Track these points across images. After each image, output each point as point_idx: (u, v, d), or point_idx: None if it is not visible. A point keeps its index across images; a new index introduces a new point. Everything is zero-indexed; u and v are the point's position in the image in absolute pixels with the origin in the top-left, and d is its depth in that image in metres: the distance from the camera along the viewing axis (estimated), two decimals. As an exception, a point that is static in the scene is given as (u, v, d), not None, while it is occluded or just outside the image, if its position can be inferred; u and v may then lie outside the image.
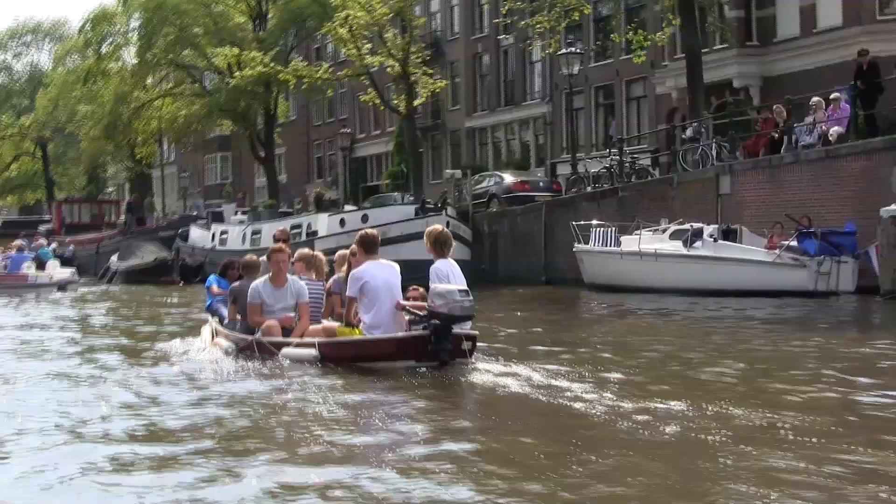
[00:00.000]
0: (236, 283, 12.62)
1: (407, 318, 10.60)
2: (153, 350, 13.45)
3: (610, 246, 26.91)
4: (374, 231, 11.35)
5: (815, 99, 25.61)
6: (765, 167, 25.26)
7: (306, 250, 12.98)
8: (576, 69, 33.35)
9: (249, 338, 11.46)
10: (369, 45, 40.48)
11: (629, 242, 25.78)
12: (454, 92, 53.79)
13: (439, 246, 10.70)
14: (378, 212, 31.03)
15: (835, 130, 24.70)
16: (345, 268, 11.83)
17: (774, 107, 26.19)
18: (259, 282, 11.77)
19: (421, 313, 10.23)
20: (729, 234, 24.12)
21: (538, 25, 31.76)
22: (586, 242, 27.51)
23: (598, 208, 29.11)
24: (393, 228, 28.32)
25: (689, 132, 28.22)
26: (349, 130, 46.35)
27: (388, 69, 40.38)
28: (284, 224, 31.83)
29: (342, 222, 31.32)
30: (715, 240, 23.56)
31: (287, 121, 55.35)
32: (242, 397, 9.06)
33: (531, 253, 30.89)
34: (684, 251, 23.95)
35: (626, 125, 45.08)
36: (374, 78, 41.03)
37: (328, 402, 8.55)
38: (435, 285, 10.13)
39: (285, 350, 10.93)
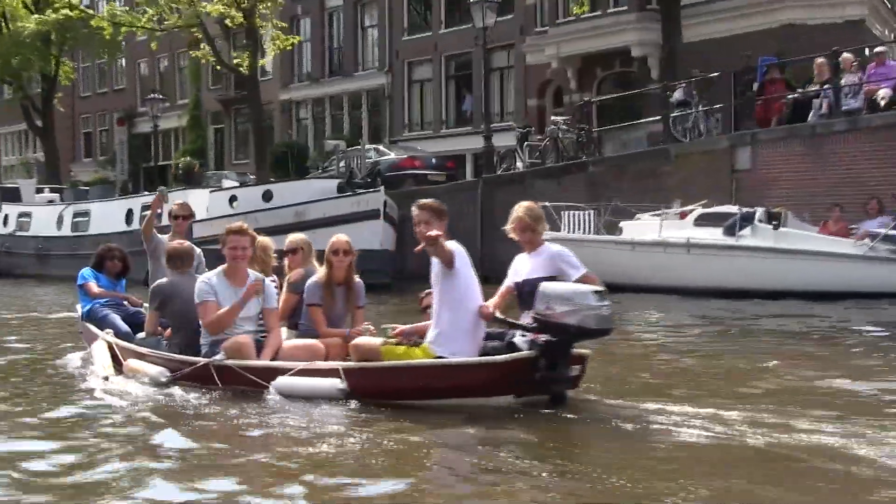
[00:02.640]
0: (164, 281, 9.05)
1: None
2: (23, 386, 9.10)
3: (587, 233, 21.28)
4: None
5: (845, 55, 21.00)
6: (805, 136, 20.27)
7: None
8: (491, 21, 27.40)
9: (201, 360, 8.19)
10: (200, -8, 32.92)
11: (636, 230, 20.19)
12: (264, 59, 46.56)
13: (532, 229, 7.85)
14: (284, 187, 23.78)
15: (884, 93, 20.11)
16: (320, 266, 8.76)
17: (817, 61, 21.24)
18: (210, 275, 8.44)
19: (527, 324, 7.32)
20: (770, 221, 18.98)
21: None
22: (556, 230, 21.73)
23: (557, 187, 23.32)
24: (312, 209, 21.59)
25: (677, 94, 22.90)
26: (161, 97, 37.95)
27: (227, 21, 32.95)
28: (142, 201, 24.29)
29: (233, 200, 23.96)
30: (775, 227, 18.31)
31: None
32: (239, 466, 5.74)
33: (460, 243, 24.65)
34: (731, 241, 18.59)
35: (484, 101, 39.60)
36: (206, 30, 33.50)
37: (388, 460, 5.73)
38: (553, 284, 7.31)
39: (281, 381, 7.74)
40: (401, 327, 7.96)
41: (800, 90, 21.56)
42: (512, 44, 37.74)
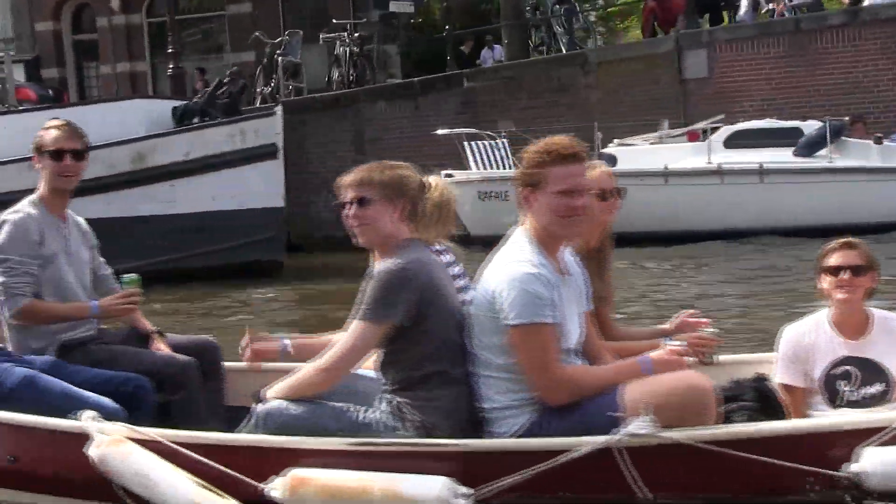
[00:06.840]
0: None
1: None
2: None
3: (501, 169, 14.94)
4: None
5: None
6: (785, 33, 16.03)
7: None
8: None
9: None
10: None
11: (636, 159, 14.39)
12: None
13: None
14: (77, 113, 12.15)
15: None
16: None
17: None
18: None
19: None
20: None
21: None
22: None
23: (414, 111, 16.24)
24: (161, 148, 12.18)
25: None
26: None
27: None
28: None
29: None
30: (878, 140, 13.94)
31: None
32: None
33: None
34: (821, 163, 13.82)
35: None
36: None
37: None
38: None
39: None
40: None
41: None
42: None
